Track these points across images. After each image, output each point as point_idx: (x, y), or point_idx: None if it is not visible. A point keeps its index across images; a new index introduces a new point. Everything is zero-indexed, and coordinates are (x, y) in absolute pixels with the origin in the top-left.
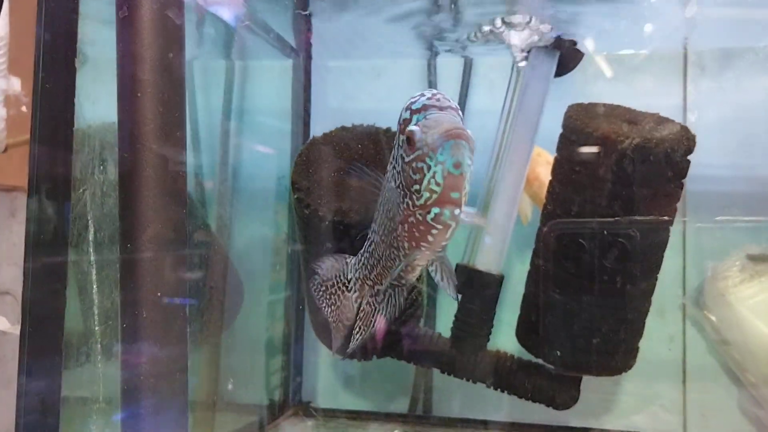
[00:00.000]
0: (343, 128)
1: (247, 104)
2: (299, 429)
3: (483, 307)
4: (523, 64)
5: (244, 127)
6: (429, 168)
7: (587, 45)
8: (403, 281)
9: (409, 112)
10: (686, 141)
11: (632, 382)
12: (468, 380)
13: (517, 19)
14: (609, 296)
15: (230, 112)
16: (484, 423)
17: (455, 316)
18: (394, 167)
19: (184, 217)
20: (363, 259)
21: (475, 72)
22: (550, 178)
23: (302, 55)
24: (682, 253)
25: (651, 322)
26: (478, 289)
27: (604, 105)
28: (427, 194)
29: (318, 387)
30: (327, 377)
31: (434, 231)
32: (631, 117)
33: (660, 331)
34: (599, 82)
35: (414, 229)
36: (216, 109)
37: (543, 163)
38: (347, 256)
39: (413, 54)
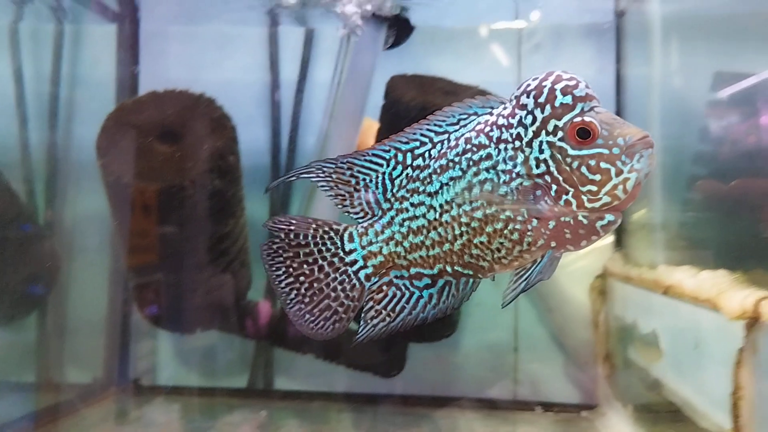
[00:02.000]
0: (154, 93)
1: (71, 72)
2: (123, 406)
3: None
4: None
5: (74, 97)
6: (620, 173)
7: (424, 18)
8: (489, 272)
9: (570, 97)
10: None
11: (466, 350)
12: (297, 352)
13: None
14: None
15: (59, 79)
16: (325, 395)
17: None
18: (517, 149)
19: None
20: (391, 233)
21: (317, 44)
22: None
23: (127, 19)
24: None
25: (486, 291)
26: None
27: (426, 77)
28: (608, 198)
29: (151, 364)
30: (162, 354)
31: (594, 237)
32: (451, 89)
33: (494, 300)
34: (438, 56)
35: (566, 229)
36: (44, 78)
37: (374, 135)
38: (328, 220)
39: (255, 22)
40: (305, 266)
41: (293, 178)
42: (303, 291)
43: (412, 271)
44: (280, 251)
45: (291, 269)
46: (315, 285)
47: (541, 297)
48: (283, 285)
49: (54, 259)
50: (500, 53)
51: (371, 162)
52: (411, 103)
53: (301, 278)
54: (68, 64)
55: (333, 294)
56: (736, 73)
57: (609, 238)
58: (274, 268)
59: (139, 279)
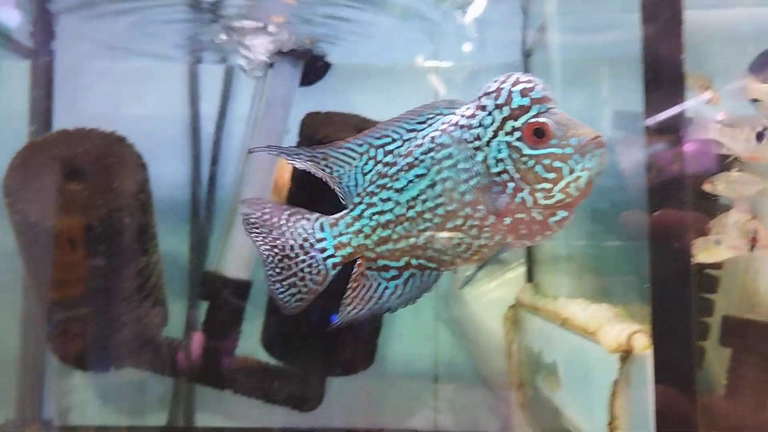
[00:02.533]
0: (64, 131)
1: None
2: None
3: (231, 313)
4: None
5: None
6: (572, 171)
7: (343, 55)
8: (451, 266)
9: (528, 99)
10: None
11: (388, 381)
12: (215, 388)
13: (249, 24)
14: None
15: None
16: (247, 431)
17: (202, 323)
18: (477, 149)
19: None
20: (361, 226)
21: (237, 79)
22: None
23: (42, 55)
24: None
25: (407, 322)
26: (226, 296)
27: (340, 114)
28: (561, 196)
29: (68, 404)
30: (80, 393)
31: (548, 232)
32: (364, 126)
33: (415, 331)
34: (357, 92)
35: (521, 225)
36: None
37: (290, 171)
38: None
39: (176, 59)
40: (278, 242)
41: (275, 154)
42: (276, 261)
43: (380, 263)
44: (257, 224)
45: (267, 240)
46: (285, 261)
47: (459, 327)
48: (262, 250)
49: None
50: (418, 90)
51: (345, 155)
52: (323, 141)
53: (275, 250)
54: None
55: (300, 274)
56: (633, 112)
57: (521, 269)
58: (253, 236)
59: (51, 318)
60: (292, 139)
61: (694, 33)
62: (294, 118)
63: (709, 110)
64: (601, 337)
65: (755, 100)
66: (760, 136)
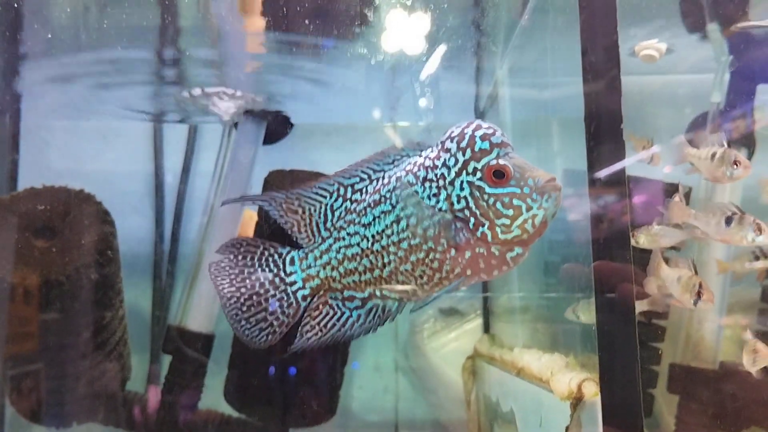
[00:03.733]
0: (32, 189)
1: None
2: None
3: (194, 367)
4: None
5: None
6: (529, 209)
7: (305, 115)
8: (413, 297)
9: (488, 143)
10: None
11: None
12: None
13: (213, 89)
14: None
15: None
16: None
17: (165, 377)
18: (441, 188)
19: None
20: (329, 258)
21: (201, 137)
22: None
23: (8, 114)
24: None
25: (368, 373)
26: (189, 349)
27: (303, 171)
28: (518, 232)
29: None
30: None
31: (505, 267)
32: None
33: (376, 382)
34: (322, 151)
35: (480, 260)
36: None
37: (253, 227)
38: (273, 243)
39: (139, 118)
40: (247, 281)
41: (249, 203)
42: (243, 301)
43: (346, 293)
44: (227, 269)
45: (234, 282)
46: (254, 298)
47: (419, 378)
48: (225, 292)
49: None
50: (376, 147)
51: (317, 194)
52: None
53: (242, 290)
54: None
55: (271, 308)
56: (581, 171)
57: (478, 321)
58: (218, 281)
59: (12, 372)
60: None
61: (635, 96)
62: (257, 176)
63: (652, 171)
64: (553, 386)
65: (691, 163)
66: (728, 221)
